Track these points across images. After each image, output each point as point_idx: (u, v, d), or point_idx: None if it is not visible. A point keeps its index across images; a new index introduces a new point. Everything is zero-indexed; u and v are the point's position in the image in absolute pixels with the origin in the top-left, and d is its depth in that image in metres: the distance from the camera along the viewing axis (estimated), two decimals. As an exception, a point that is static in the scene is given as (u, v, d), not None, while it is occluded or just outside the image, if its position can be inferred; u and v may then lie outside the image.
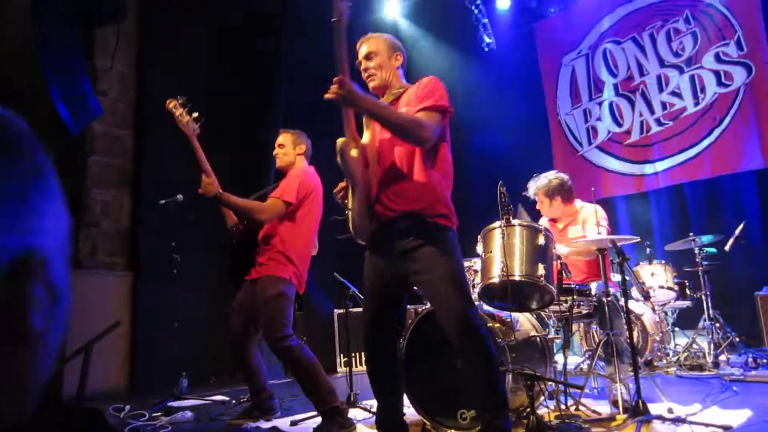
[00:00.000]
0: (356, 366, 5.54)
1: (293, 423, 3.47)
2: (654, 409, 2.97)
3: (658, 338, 4.81)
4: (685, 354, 4.83)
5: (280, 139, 3.69)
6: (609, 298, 3.31)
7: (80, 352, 3.64)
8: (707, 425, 2.75)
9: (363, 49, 2.63)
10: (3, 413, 0.43)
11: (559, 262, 3.29)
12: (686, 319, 5.56)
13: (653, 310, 4.99)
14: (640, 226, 6.74)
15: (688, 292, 5.12)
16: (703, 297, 4.86)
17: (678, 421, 2.83)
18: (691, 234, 5.06)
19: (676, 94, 6.83)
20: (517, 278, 3.05)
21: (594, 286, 3.67)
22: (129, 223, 5.65)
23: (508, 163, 7.19)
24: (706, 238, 5.03)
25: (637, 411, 2.87)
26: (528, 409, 2.78)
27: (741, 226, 4.92)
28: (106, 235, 5.50)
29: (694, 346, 4.89)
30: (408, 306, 2.54)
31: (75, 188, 5.43)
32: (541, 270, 3.05)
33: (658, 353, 4.91)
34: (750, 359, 4.43)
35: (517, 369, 2.84)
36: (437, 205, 2.41)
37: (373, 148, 2.55)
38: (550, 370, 3.31)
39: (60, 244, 0.47)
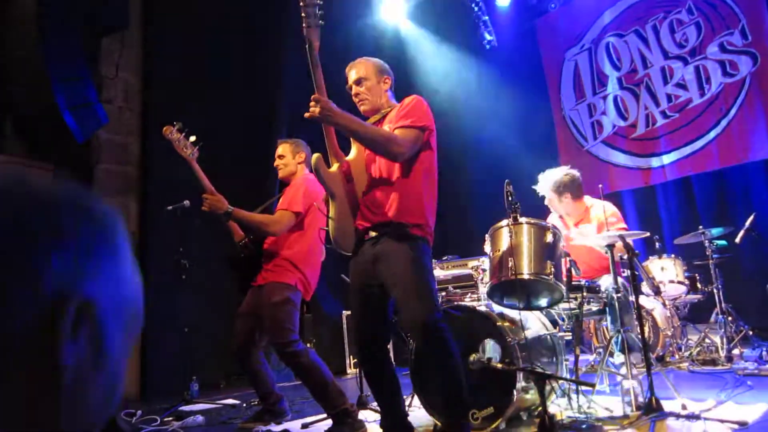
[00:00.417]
0: (363, 371, 5.53)
1: (304, 426, 3.47)
2: (667, 405, 2.95)
3: (669, 333, 4.77)
4: (698, 349, 4.78)
5: (280, 150, 3.71)
6: (619, 295, 3.29)
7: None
8: (722, 421, 2.72)
9: (352, 75, 2.73)
10: None
11: (568, 259, 3.27)
12: (698, 314, 5.51)
13: (664, 305, 4.95)
14: (648, 220, 6.69)
15: (699, 285, 5.08)
16: (715, 290, 4.82)
17: (692, 417, 2.80)
18: (700, 227, 5.02)
19: (681, 86, 6.78)
20: (525, 277, 3.03)
21: (603, 283, 3.65)
22: (137, 230, 5.67)
23: (513, 160, 7.16)
24: (715, 231, 4.98)
25: (650, 408, 2.85)
26: (540, 408, 2.76)
27: (751, 217, 4.88)
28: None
29: (707, 340, 4.85)
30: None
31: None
32: (549, 268, 3.03)
33: (670, 348, 4.87)
34: (764, 352, 4.39)
35: (528, 368, 2.82)
36: (410, 215, 2.50)
37: (360, 163, 2.66)
38: (561, 368, 3.29)
39: (118, 309, 0.51)
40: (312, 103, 2.34)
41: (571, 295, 3.32)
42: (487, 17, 8.10)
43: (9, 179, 0.50)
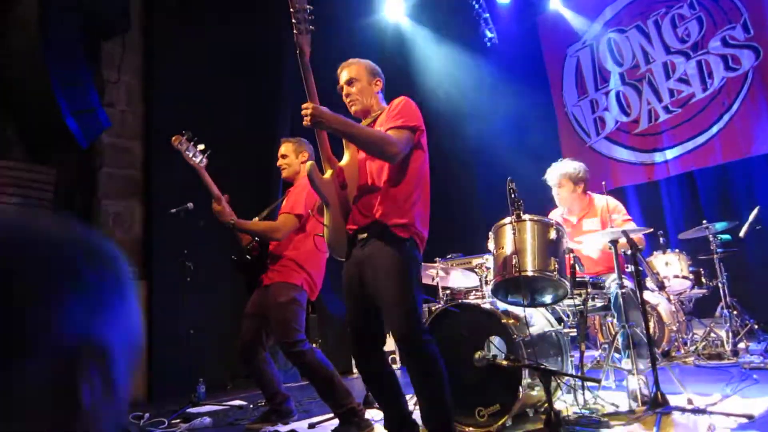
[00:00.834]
0: (360, 374, 5.54)
1: (311, 426, 3.48)
2: (673, 400, 2.95)
3: (675, 328, 4.77)
4: (703, 343, 4.78)
5: (282, 150, 3.71)
6: (623, 290, 3.29)
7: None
8: (728, 415, 2.72)
9: (344, 75, 2.74)
10: None
11: (572, 255, 3.27)
12: (703, 308, 5.51)
13: (669, 300, 4.95)
14: (652, 215, 6.69)
15: (703, 280, 5.08)
16: (720, 285, 4.81)
17: (698, 411, 2.80)
18: (704, 222, 5.01)
19: (684, 81, 6.77)
20: (529, 273, 3.04)
21: (608, 279, 3.65)
22: (141, 233, 5.69)
23: (515, 157, 7.15)
24: (719, 225, 4.97)
25: (656, 403, 2.85)
26: (546, 405, 2.77)
27: (755, 211, 4.87)
28: (119, 245, 5.44)
29: (712, 334, 4.85)
30: (422, 305, 2.55)
31: (86, 200, 5.48)
32: (553, 264, 3.04)
33: (676, 343, 4.87)
34: (769, 346, 4.38)
35: (534, 364, 2.83)
36: (395, 216, 2.50)
37: (353, 167, 2.67)
38: (566, 365, 3.29)
39: (124, 349, 0.53)
40: (304, 111, 2.36)
41: (576, 292, 3.32)
42: (488, 14, 8.11)
43: (18, 225, 0.52)
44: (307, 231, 3.45)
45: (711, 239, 4.91)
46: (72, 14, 4.82)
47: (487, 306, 3.18)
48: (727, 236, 5.03)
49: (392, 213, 2.51)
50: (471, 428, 2.99)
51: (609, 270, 3.97)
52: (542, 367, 2.80)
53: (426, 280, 4.06)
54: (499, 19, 8.20)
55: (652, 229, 3.88)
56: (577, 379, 3.13)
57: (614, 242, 3.39)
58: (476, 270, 3.80)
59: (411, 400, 3.06)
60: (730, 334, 4.58)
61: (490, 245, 3.33)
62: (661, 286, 4.25)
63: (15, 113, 4.93)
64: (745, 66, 6.31)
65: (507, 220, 3.18)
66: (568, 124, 7.78)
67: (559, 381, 3.07)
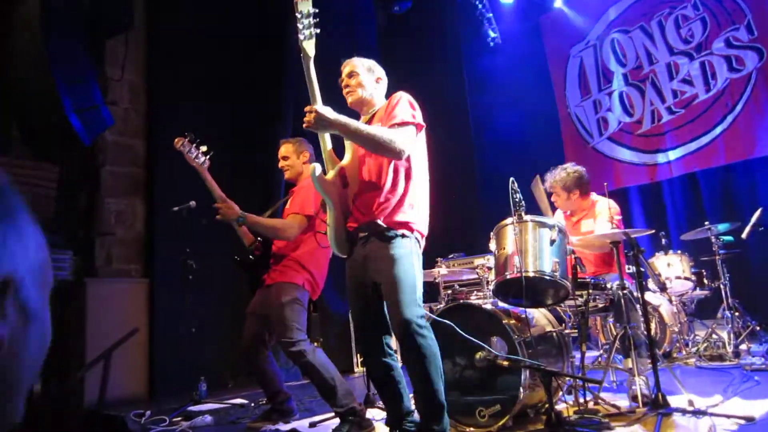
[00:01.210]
0: (365, 370, 5.54)
1: (312, 425, 3.49)
2: (674, 401, 2.95)
3: (676, 329, 4.77)
4: (705, 344, 4.78)
5: (283, 151, 3.70)
6: (624, 291, 3.29)
7: (100, 359, 3.69)
8: (729, 416, 2.72)
9: (346, 69, 2.79)
10: None
11: (573, 256, 3.27)
12: (705, 309, 5.50)
13: (670, 301, 4.94)
14: (655, 216, 6.69)
15: (705, 281, 5.07)
16: (722, 286, 4.81)
17: (699, 413, 2.80)
18: (706, 223, 5.01)
19: (687, 82, 6.75)
20: (531, 274, 3.04)
21: (609, 280, 3.65)
22: (143, 231, 5.70)
23: (518, 157, 7.16)
24: (722, 227, 4.97)
25: (657, 404, 2.85)
26: (546, 405, 2.77)
27: (757, 212, 4.86)
28: (121, 243, 5.55)
29: (714, 336, 4.84)
30: (422, 304, 2.57)
31: (89, 198, 5.49)
32: (555, 265, 3.04)
33: (677, 344, 4.86)
34: (771, 348, 4.38)
35: (534, 365, 2.83)
36: (395, 213, 2.53)
37: (354, 166, 2.68)
38: (567, 365, 3.29)
39: (32, 273, 0.53)
40: (307, 115, 2.37)
41: (577, 292, 3.32)
42: (491, 14, 8.10)
43: None
44: (312, 231, 3.46)
45: (713, 240, 4.91)
46: (75, 12, 4.82)
47: (489, 306, 3.18)
48: (729, 237, 5.03)
49: (392, 211, 2.53)
50: (471, 428, 2.99)
51: (607, 271, 3.97)
52: (543, 367, 2.80)
53: (427, 279, 4.07)
54: (502, 19, 8.19)
55: (653, 231, 3.87)
56: (577, 380, 3.13)
57: (616, 243, 3.39)
58: (478, 270, 3.80)
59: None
60: (732, 336, 4.58)
61: (492, 246, 3.33)
62: (662, 288, 4.25)
63: (18, 111, 4.94)
64: (748, 67, 6.30)
65: (509, 220, 3.18)
66: (570, 124, 7.77)
67: (559, 382, 3.06)
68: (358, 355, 5.98)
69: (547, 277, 3.05)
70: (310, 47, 2.44)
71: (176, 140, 3.34)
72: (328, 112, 2.39)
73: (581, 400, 3.11)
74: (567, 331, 3.47)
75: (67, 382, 4.58)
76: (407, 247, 2.51)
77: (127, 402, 4.84)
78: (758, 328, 4.82)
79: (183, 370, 4.88)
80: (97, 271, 5.32)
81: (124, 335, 3.93)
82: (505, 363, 2.80)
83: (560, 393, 3.19)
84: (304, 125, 2.39)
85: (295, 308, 3.31)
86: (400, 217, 2.54)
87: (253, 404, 4.36)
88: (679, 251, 5.17)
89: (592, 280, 3.47)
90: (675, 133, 6.81)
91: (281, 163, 3.71)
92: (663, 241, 5.25)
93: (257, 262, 3.59)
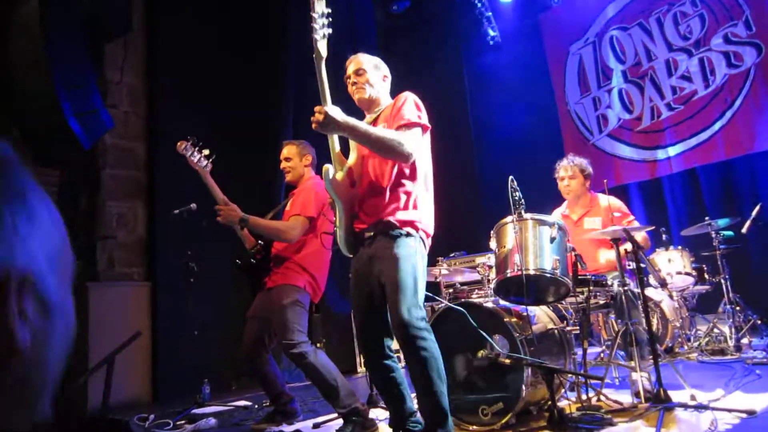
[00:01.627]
0: (367, 370, 5.55)
1: (316, 426, 3.49)
2: (676, 396, 2.96)
3: (678, 324, 4.77)
4: (707, 339, 4.78)
5: (285, 152, 3.68)
6: (625, 288, 3.29)
7: (103, 363, 3.69)
8: (730, 410, 2.73)
9: (352, 66, 2.78)
10: (5, 427, 0.46)
11: (573, 253, 3.28)
12: (706, 304, 5.51)
13: (671, 296, 4.95)
14: (655, 212, 6.69)
15: (706, 276, 5.08)
16: (722, 281, 4.82)
17: (701, 407, 2.81)
18: (706, 218, 5.02)
19: (686, 78, 6.76)
20: (531, 272, 3.05)
21: (610, 276, 3.66)
22: (144, 234, 5.71)
23: (518, 155, 7.16)
24: (722, 222, 4.98)
25: (659, 399, 2.86)
26: (549, 402, 2.78)
27: (757, 207, 4.87)
28: (123, 246, 5.56)
29: (715, 330, 4.84)
30: (425, 303, 2.57)
31: (90, 201, 5.50)
32: (555, 263, 3.04)
33: (679, 340, 4.87)
34: (772, 342, 4.38)
35: (536, 362, 2.84)
36: (400, 212, 2.54)
37: (359, 166, 2.68)
38: (569, 362, 3.30)
39: (49, 260, 0.48)
40: (317, 116, 2.35)
41: (578, 289, 3.33)
42: (490, 13, 8.11)
43: None
44: (314, 233, 3.46)
45: (714, 236, 4.92)
46: (74, 16, 4.83)
47: (490, 305, 3.19)
48: (729, 232, 5.03)
49: (398, 211, 2.54)
50: (474, 427, 3.00)
51: (609, 269, 3.98)
52: (545, 365, 2.81)
53: (429, 278, 4.07)
54: (501, 18, 8.20)
55: (654, 227, 3.89)
56: (580, 377, 3.14)
57: (616, 241, 3.40)
58: (479, 269, 3.81)
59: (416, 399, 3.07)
60: (733, 330, 4.59)
61: (492, 244, 3.34)
62: (663, 284, 4.26)
63: (18, 115, 4.95)
64: (747, 63, 6.30)
65: (509, 219, 3.19)
66: (570, 121, 7.77)
67: (562, 379, 3.07)
68: (361, 355, 5.99)
69: (548, 275, 3.06)
70: (323, 47, 2.44)
71: (179, 144, 3.34)
72: (338, 114, 2.37)
73: (584, 396, 3.12)
74: (568, 328, 3.48)
75: (71, 386, 4.59)
76: (411, 247, 2.52)
77: (131, 406, 4.85)
78: (759, 322, 4.83)
79: (186, 373, 4.89)
80: (99, 275, 5.33)
81: (127, 339, 3.94)
82: (507, 361, 2.80)
83: (563, 390, 3.19)
84: (312, 126, 2.38)
85: (296, 310, 3.32)
86: (404, 216, 2.54)
87: (256, 406, 4.37)
88: (679, 247, 5.17)
89: (593, 277, 3.48)
90: (674, 130, 6.81)
91: (283, 164, 3.69)
92: (663, 237, 5.25)
93: (259, 265, 3.60)
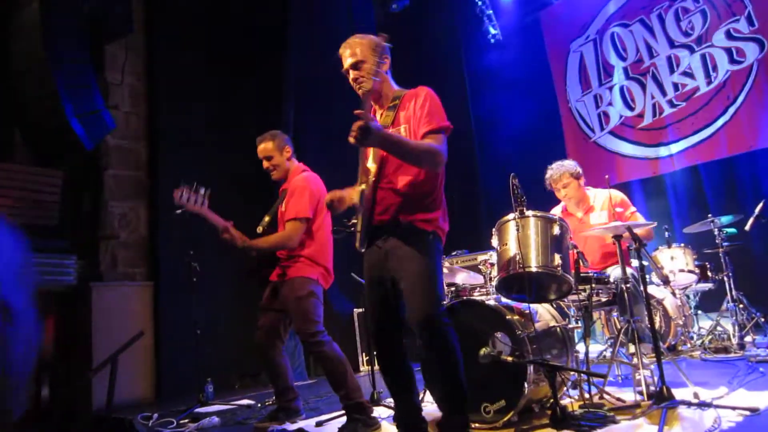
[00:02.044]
0: (378, 364, 5.56)
1: (318, 424, 3.50)
2: (679, 394, 2.95)
3: (681, 322, 4.76)
4: (710, 337, 4.78)
5: (263, 151, 3.59)
6: (628, 285, 3.29)
7: (106, 363, 3.71)
8: (734, 408, 2.72)
9: (348, 59, 2.65)
10: None
11: (575, 251, 3.28)
12: (709, 302, 5.50)
13: (674, 294, 4.94)
14: (657, 209, 6.67)
15: (709, 274, 5.06)
16: (725, 278, 4.81)
17: (704, 405, 2.80)
18: (709, 215, 5.01)
19: (688, 74, 6.74)
20: (533, 269, 3.04)
21: (612, 274, 3.65)
22: (147, 234, 5.72)
23: (519, 153, 7.16)
24: (725, 219, 4.97)
25: (662, 397, 2.85)
26: (551, 400, 2.77)
27: (761, 204, 4.85)
28: (125, 246, 5.57)
29: (719, 328, 4.84)
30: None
31: (93, 202, 5.51)
32: (557, 260, 3.04)
33: (682, 337, 4.86)
34: (776, 339, 4.37)
35: (539, 360, 2.84)
36: (420, 213, 2.53)
37: (378, 165, 2.61)
38: (571, 360, 3.30)
39: (10, 271, 0.51)
40: (356, 133, 2.22)
41: (580, 287, 3.32)
42: (491, 11, 8.10)
43: None
44: (314, 230, 3.48)
45: (716, 233, 4.91)
46: (75, 18, 4.84)
47: (492, 302, 3.19)
48: (732, 230, 5.02)
49: (416, 209, 2.53)
50: (477, 424, 3.00)
51: (613, 263, 3.98)
52: (547, 362, 2.80)
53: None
54: (501, 15, 8.19)
55: (656, 223, 3.88)
56: (582, 374, 3.14)
57: (618, 237, 3.39)
58: (480, 267, 3.81)
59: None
60: (737, 328, 4.58)
61: (494, 242, 3.34)
62: (665, 281, 4.26)
63: (20, 117, 4.96)
64: (749, 59, 6.28)
65: (510, 216, 3.19)
66: (572, 119, 7.76)
67: (564, 376, 3.07)
68: (364, 353, 5.99)
69: (550, 272, 3.06)
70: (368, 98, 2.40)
71: (175, 193, 3.36)
72: (378, 128, 2.28)
73: (586, 394, 3.11)
74: (571, 325, 3.48)
75: (75, 386, 4.61)
76: (431, 244, 2.52)
77: (135, 405, 4.86)
78: (762, 319, 4.81)
79: (189, 372, 4.89)
80: (102, 275, 5.34)
81: (130, 338, 3.95)
82: (510, 359, 2.80)
83: (565, 387, 3.19)
84: (350, 140, 2.26)
85: (312, 302, 3.38)
86: (425, 215, 2.54)
87: (259, 405, 4.38)
88: (682, 244, 5.16)
89: (595, 275, 3.47)
90: (676, 126, 6.80)
91: (265, 165, 3.61)
92: (666, 234, 5.24)
93: (265, 266, 3.63)
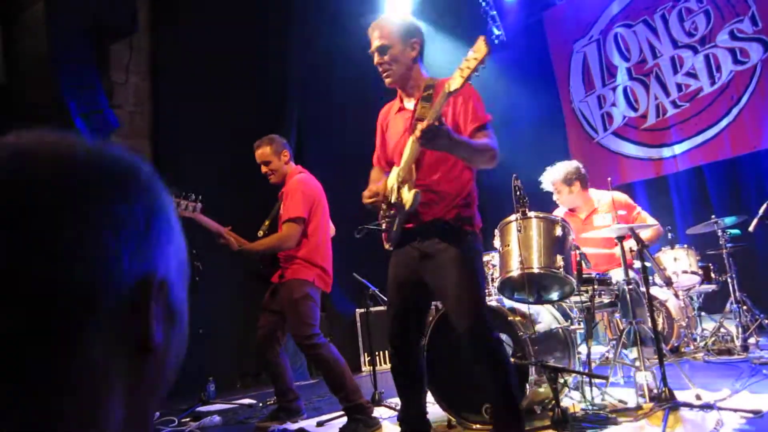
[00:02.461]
0: (380, 365, 5.57)
1: (319, 424, 3.51)
2: (682, 396, 2.94)
3: (684, 324, 4.75)
4: (713, 338, 4.76)
5: (261, 156, 3.61)
6: (630, 286, 3.28)
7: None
8: (736, 410, 2.71)
9: (375, 42, 2.50)
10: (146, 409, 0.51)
11: (578, 252, 3.27)
12: (712, 303, 5.48)
13: (677, 295, 4.92)
14: (661, 210, 6.63)
15: (712, 275, 5.04)
16: (729, 280, 4.79)
17: (706, 407, 2.79)
18: (713, 216, 4.98)
19: (692, 75, 6.72)
20: (535, 271, 3.04)
21: (614, 275, 3.65)
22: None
23: (522, 154, 7.12)
24: (728, 220, 4.94)
25: (664, 399, 2.84)
26: (553, 402, 2.77)
27: (765, 205, 4.81)
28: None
29: (722, 330, 4.81)
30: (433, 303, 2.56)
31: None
32: (559, 261, 3.03)
33: (685, 339, 4.85)
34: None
35: (540, 362, 2.83)
36: (461, 211, 2.44)
37: (412, 163, 2.42)
38: (573, 362, 3.29)
39: (178, 270, 0.53)
40: (421, 134, 2.13)
41: (582, 288, 3.32)
42: (495, 12, 8.09)
43: (60, 160, 0.51)
44: (310, 230, 3.48)
45: (720, 234, 4.89)
46: (79, 17, 4.85)
47: (494, 304, 3.18)
48: (736, 231, 5.00)
49: (455, 208, 2.43)
50: (478, 425, 3.00)
51: (615, 264, 3.97)
52: (549, 364, 2.80)
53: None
54: (505, 16, 8.17)
55: (658, 225, 3.87)
56: (584, 376, 3.13)
57: (621, 239, 3.39)
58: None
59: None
60: (740, 330, 4.56)
61: (496, 243, 3.33)
62: (668, 283, 4.24)
63: (24, 116, 4.98)
64: (753, 59, 6.25)
65: (512, 217, 3.18)
66: (575, 120, 7.75)
67: (566, 378, 3.06)
68: (366, 354, 6.00)
69: (552, 274, 3.05)
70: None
71: None
72: (450, 131, 2.17)
73: (588, 395, 3.11)
74: (573, 327, 3.47)
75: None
76: (472, 245, 2.43)
77: (137, 403, 4.87)
78: (766, 321, 4.79)
79: (191, 371, 4.89)
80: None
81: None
82: (512, 360, 2.80)
83: (567, 389, 3.18)
84: (414, 136, 2.19)
85: (307, 304, 3.38)
86: (463, 214, 2.44)
87: (261, 404, 4.39)
88: (685, 245, 5.14)
89: (598, 276, 3.47)
90: (680, 127, 6.78)
91: (264, 169, 3.63)
92: (669, 235, 5.23)
93: (269, 269, 3.63)
